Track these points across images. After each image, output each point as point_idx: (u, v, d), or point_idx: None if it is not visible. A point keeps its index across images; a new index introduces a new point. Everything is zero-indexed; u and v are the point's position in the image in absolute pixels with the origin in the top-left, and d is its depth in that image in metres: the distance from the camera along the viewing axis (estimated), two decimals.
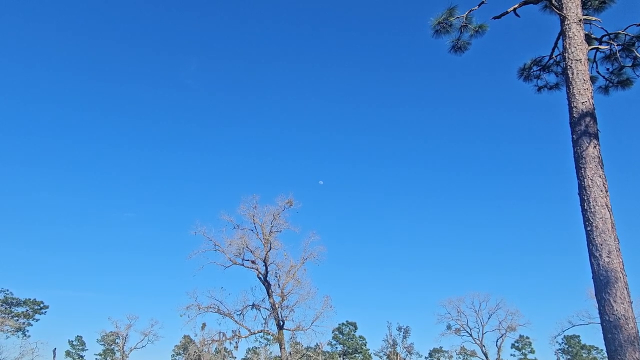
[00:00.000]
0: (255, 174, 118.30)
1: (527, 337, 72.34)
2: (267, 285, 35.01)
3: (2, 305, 61.16)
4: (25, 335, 62.77)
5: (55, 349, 66.39)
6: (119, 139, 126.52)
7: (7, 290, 62.97)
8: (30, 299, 65.52)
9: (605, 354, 8.23)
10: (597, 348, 71.00)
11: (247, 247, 35.29)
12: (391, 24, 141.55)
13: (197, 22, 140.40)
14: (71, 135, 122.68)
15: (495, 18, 11.62)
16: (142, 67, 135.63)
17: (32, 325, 64.92)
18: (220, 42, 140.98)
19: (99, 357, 71.56)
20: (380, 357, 74.02)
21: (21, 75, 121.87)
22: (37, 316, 65.76)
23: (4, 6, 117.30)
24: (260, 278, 35.26)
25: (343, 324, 75.01)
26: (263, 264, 35.14)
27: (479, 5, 11.97)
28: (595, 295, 8.35)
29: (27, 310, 64.89)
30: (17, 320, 62.41)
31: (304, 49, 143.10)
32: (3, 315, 58.80)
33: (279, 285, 35.57)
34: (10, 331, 59.32)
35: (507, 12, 11.38)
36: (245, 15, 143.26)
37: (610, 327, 7.90)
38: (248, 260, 35.40)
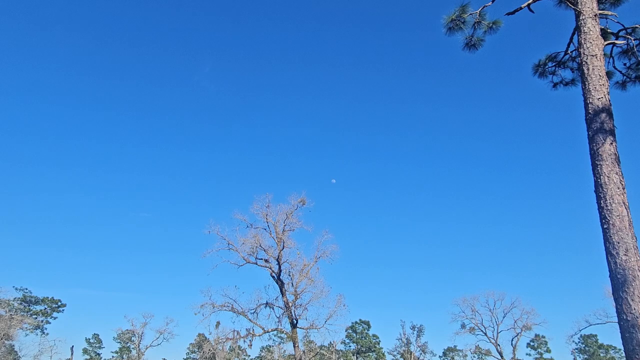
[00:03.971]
0: (269, 173, 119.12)
1: (543, 336, 71.42)
2: (281, 284, 35.11)
3: (21, 304, 62.28)
4: (43, 333, 64.05)
5: (72, 346, 67.44)
6: (135, 140, 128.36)
7: (26, 289, 64.37)
8: (48, 298, 66.74)
9: (623, 354, 8.11)
10: (614, 347, 69.91)
11: (260, 245, 35.44)
12: (403, 23, 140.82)
13: (211, 24, 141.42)
14: (87, 136, 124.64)
15: (509, 14, 11.52)
16: (158, 69, 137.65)
17: (50, 323, 66.25)
18: (233, 44, 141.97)
19: (115, 354, 72.49)
20: (394, 355, 73.81)
21: (37, 76, 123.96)
22: (55, 314, 67.05)
23: (28, 7, 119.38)
24: (273, 277, 35.39)
25: (356, 322, 74.89)
26: (276, 262, 35.25)
27: (493, 1, 11.88)
28: (613, 293, 8.25)
29: (45, 309, 66.07)
30: (36, 318, 63.59)
31: (316, 49, 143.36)
32: (22, 313, 59.87)
33: (292, 283, 35.65)
34: (29, 329, 60.53)
35: (521, 8, 11.27)
36: (258, 17, 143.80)
37: (628, 326, 7.79)
38: (261, 259, 35.57)
